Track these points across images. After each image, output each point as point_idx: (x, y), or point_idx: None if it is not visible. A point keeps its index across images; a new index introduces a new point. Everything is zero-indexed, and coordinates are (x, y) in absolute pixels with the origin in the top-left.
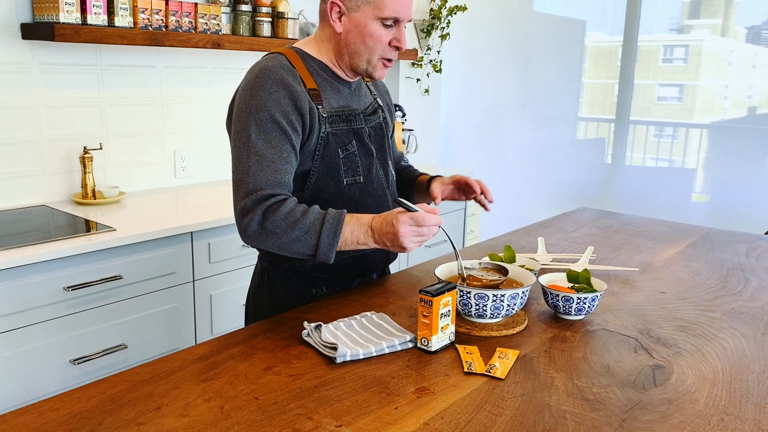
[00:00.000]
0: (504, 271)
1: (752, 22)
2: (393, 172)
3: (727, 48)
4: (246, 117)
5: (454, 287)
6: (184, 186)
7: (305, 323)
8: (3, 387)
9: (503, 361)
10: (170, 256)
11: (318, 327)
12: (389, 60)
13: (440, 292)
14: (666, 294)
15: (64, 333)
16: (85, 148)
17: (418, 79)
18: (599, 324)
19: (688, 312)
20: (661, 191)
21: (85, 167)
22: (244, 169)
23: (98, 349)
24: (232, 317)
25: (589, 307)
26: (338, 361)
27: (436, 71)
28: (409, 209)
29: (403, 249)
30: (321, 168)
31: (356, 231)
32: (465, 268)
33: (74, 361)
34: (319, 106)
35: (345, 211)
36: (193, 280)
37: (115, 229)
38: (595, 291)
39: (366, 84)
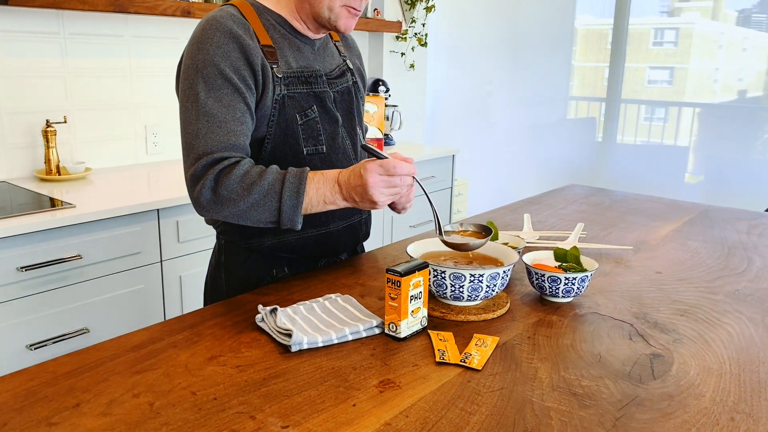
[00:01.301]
0: (487, 231)
1: (743, 5)
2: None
3: (717, 31)
4: (193, 74)
5: (427, 266)
6: (157, 162)
7: (260, 307)
8: None
9: (481, 350)
10: (135, 235)
11: (274, 311)
12: (354, 9)
13: (410, 272)
14: (663, 274)
15: (19, 316)
16: (47, 121)
17: (402, 54)
18: (589, 307)
19: (688, 294)
20: (654, 170)
21: (48, 142)
22: (193, 132)
23: (58, 333)
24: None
25: (578, 288)
26: (293, 349)
27: (422, 45)
28: (378, 157)
29: (374, 204)
30: (277, 135)
31: (322, 188)
32: (444, 231)
33: (31, 346)
34: (274, 66)
35: (307, 168)
36: (161, 261)
37: (74, 206)
38: (585, 270)
39: (335, 44)
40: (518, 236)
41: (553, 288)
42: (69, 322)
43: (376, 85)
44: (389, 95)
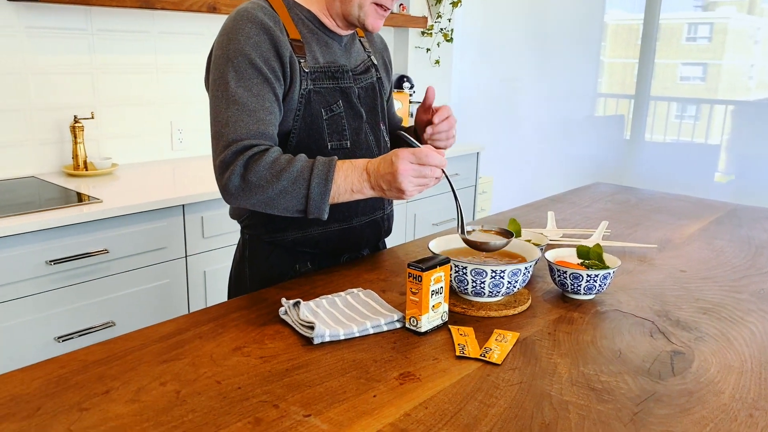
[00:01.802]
0: (508, 234)
1: None
2: (387, 138)
3: (753, 26)
4: (223, 63)
5: (448, 261)
6: (182, 158)
7: (283, 300)
8: None
9: (501, 345)
10: (160, 230)
11: (297, 304)
12: (383, 8)
13: (431, 267)
14: (687, 273)
15: (47, 309)
16: (75, 117)
17: (428, 49)
18: (611, 305)
19: (712, 293)
20: (683, 169)
21: (75, 137)
22: (222, 121)
23: (85, 326)
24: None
25: (600, 285)
26: (316, 342)
27: (447, 41)
28: (412, 146)
29: (401, 193)
30: (302, 129)
31: (350, 176)
32: (466, 230)
33: (59, 338)
34: (302, 60)
35: (335, 157)
36: (186, 256)
37: (101, 201)
38: (608, 268)
39: (360, 40)
40: (541, 233)
41: (575, 285)
42: (95, 315)
43: (400, 82)
44: (414, 91)
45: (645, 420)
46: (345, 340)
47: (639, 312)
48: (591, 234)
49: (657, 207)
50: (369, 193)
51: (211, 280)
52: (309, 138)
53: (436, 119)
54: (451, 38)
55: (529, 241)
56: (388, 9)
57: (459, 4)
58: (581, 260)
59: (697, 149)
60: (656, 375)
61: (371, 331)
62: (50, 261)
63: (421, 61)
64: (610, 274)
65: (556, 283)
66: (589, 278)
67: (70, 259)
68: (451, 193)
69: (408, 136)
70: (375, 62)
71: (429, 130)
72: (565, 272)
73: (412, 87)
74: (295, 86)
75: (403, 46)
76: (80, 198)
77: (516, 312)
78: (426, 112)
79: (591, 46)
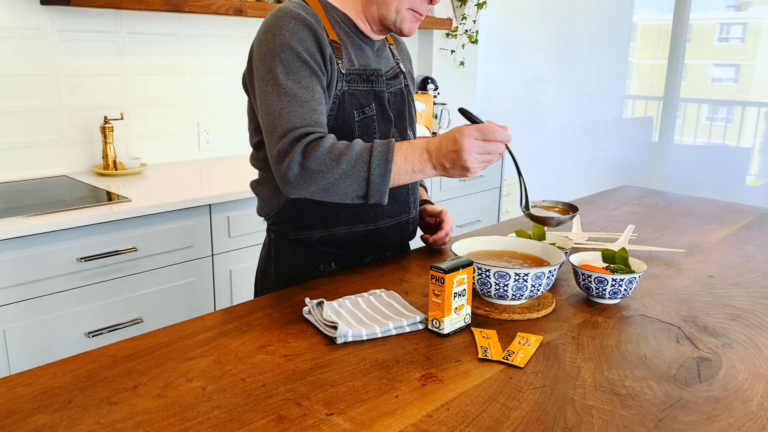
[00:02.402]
0: (573, 209)
1: None
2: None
3: None
4: (270, 59)
5: (470, 264)
6: (208, 159)
7: (307, 299)
8: (16, 359)
9: (524, 348)
10: (188, 229)
11: (320, 304)
12: (418, 13)
13: (454, 269)
14: (715, 278)
15: (78, 305)
16: (105, 118)
17: (452, 51)
18: (637, 309)
19: (741, 299)
20: (713, 172)
21: (105, 137)
22: (275, 113)
23: (113, 322)
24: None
25: (625, 290)
26: (339, 341)
27: (472, 42)
28: (474, 122)
29: (466, 171)
30: (334, 130)
31: (410, 155)
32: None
33: (89, 334)
34: (339, 61)
35: (393, 139)
36: (212, 255)
37: (130, 200)
38: (633, 272)
39: (390, 47)
40: (566, 237)
41: (600, 289)
42: (124, 311)
43: (424, 83)
44: (438, 93)
45: (670, 426)
46: (367, 340)
47: (665, 317)
48: (617, 238)
49: (685, 211)
50: (431, 173)
51: (237, 279)
52: (340, 139)
53: (443, 233)
54: (476, 40)
55: (553, 244)
56: (423, 14)
57: (484, 6)
58: (606, 264)
59: (729, 152)
60: (682, 381)
61: (393, 332)
62: (81, 258)
63: (445, 62)
64: (635, 278)
65: (580, 287)
66: (614, 282)
67: (101, 257)
68: (515, 168)
69: (471, 112)
70: (403, 69)
71: (435, 236)
72: (590, 276)
73: (436, 89)
74: (332, 86)
75: (427, 48)
76: (110, 197)
77: (540, 315)
78: (430, 216)
79: (619, 47)
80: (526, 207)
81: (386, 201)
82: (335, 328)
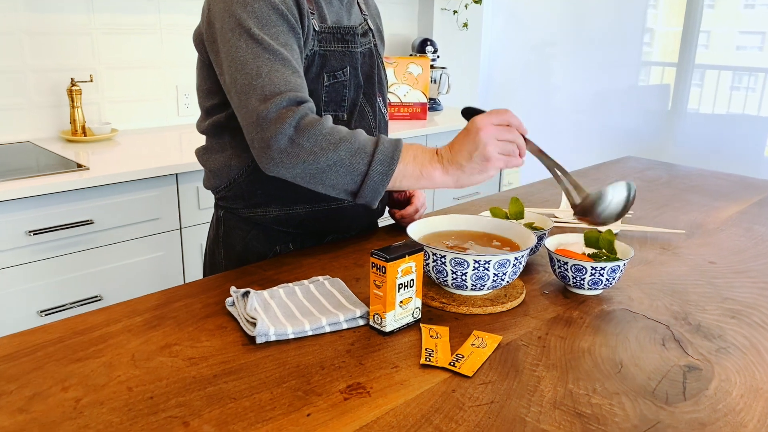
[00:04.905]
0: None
1: None
2: (385, 112)
3: None
4: (240, 9)
5: (421, 250)
6: (189, 125)
7: (232, 289)
8: None
9: (476, 351)
10: (152, 201)
11: (246, 294)
12: None
13: (399, 256)
14: (716, 265)
15: (29, 282)
16: (72, 80)
17: (455, 11)
18: (620, 302)
19: (744, 291)
20: (729, 142)
21: (73, 101)
22: (252, 72)
23: (70, 299)
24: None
25: (607, 279)
26: (258, 341)
27: (476, 2)
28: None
29: (486, 162)
30: None
31: (420, 156)
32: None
33: (42, 312)
34: (312, 16)
35: (402, 138)
36: (180, 228)
37: (88, 168)
38: (618, 259)
39: (357, 1)
40: (552, 214)
41: (578, 278)
42: (82, 288)
43: (423, 46)
44: (437, 56)
45: None
46: (294, 339)
47: (652, 313)
48: None
49: (691, 186)
50: (440, 179)
51: None
52: None
53: (413, 209)
54: (481, 0)
55: (531, 224)
56: None
57: None
58: (589, 249)
59: (747, 121)
60: (662, 398)
61: (327, 330)
62: (30, 231)
63: (447, 24)
64: (619, 267)
65: (556, 276)
66: (594, 271)
67: (52, 230)
68: (546, 168)
69: (477, 108)
70: (371, 26)
71: (402, 211)
72: (567, 263)
73: (435, 51)
74: (304, 46)
75: (428, 7)
76: (67, 165)
77: (504, 309)
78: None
79: (636, 12)
80: (582, 211)
81: (376, 205)
82: (255, 324)
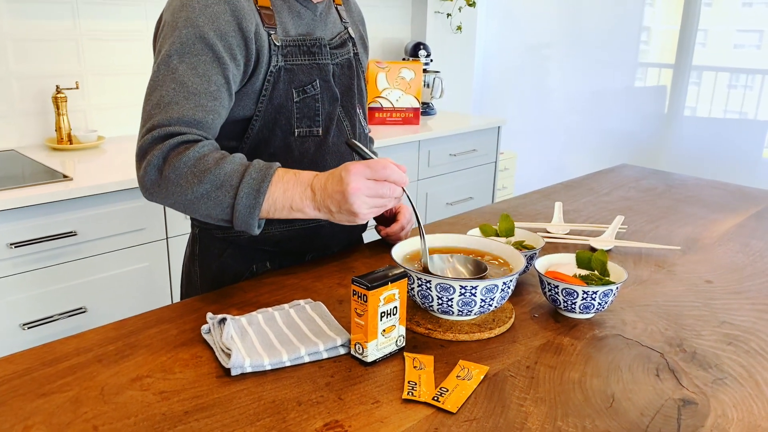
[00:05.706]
0: (480, 269)
1: None
2: (364, 125)
3: None
4: (170, 33)
5: (404, 276)
6: None
7: (208, 315)
8: None
9: (462, 384)
10: (137, 211)
11: (222, 321)
12: None
13: (381, 284)
14: (713, 284)
15: (11, 294)
16: (57, 87)
17: (448, 14)
18: (613, 327)
19: (742, 313)
20: (726, 146)
21: (58, 108)
22: (154, 101)
23: (53, 312)
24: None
25: (599, 304)
26: (233, 373)
27: (470, 5)
28: (364, 157)
29: (353, 216)
30: (267, 113)
31: (290, 190)
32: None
33: (25, 325)
34: (272, 32)
35: (278, 163)
36: (167, 238)
37: (71, 179)
38: (610, 283)
39: (337, 8)
40: (545, 229)
41: (569, 302)
42: (65, 301)
43: (416, 49)
44: (430, 60)
45: None
46: (271, 371)
47: (646, 339)
48: (603, 230)
49: (688, 196)
50: (312, 214)
51: None
52: (274, 123)
53: (399, 226)
54: (474, 2)
55: (520, 243)
56: None
57: None
58: (581, 270)
59: (744, 125)
60: None
61: (306, 360)
62: (11, 244)
63: (441, 27)
64: (611, 290)
65: (547, 298)
66: (585, 295)
67: (34, 242)
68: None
69: (360, 146)
70: (352, 35)
71: (388, 228)
72: (557, 287)
73: (428, 55)
74: (261, 64)
75: (421, 11)
76: (52, 175)
77: (492, 335)
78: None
79: (632, 12)
80: (425, 268)
81: (257, 232)
82: (230, 355)
